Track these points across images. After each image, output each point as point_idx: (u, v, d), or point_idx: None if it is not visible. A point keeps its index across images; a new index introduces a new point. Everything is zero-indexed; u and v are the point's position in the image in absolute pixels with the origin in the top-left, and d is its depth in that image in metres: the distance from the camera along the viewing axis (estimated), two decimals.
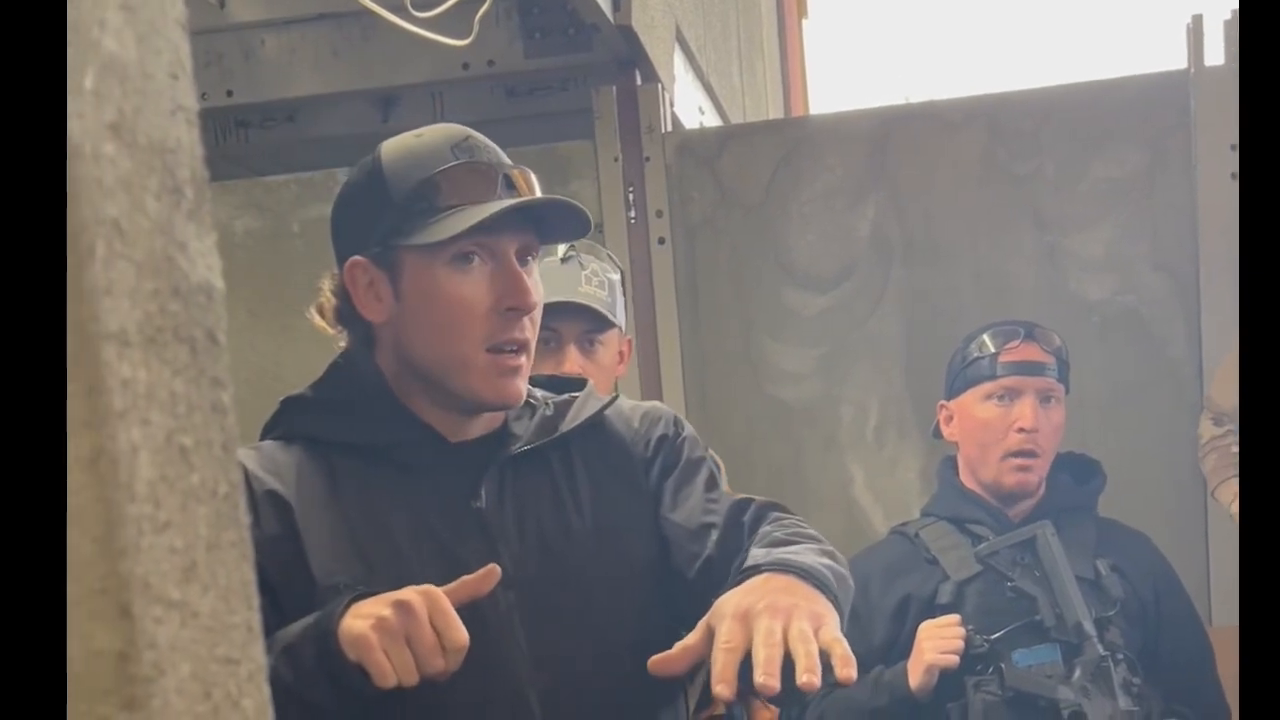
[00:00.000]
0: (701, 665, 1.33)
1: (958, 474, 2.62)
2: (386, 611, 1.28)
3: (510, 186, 1.52)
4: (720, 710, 2.24)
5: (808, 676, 1.23)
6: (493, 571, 1.35)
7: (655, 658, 1.36)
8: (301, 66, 3.65)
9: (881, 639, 2.46)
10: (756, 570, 1.40)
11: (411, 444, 1.56)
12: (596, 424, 1.65)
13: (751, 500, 1.62)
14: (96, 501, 0.57)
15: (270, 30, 3.63)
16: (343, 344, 1.63)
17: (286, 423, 1.59)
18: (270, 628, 1.21)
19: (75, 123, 0.57)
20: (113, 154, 0.59)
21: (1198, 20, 3.33)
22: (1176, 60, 3.39)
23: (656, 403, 1.76)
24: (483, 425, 1.60)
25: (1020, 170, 3.45)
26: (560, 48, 3.51)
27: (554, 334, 2.22)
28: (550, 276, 2.09)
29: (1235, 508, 3.06)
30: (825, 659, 1.26)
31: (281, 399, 1.61)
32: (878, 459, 3.55)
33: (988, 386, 2.53)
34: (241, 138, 3.92)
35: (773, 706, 2.31)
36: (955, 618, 2.37)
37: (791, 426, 3.57)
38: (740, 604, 1.32)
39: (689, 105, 4.26)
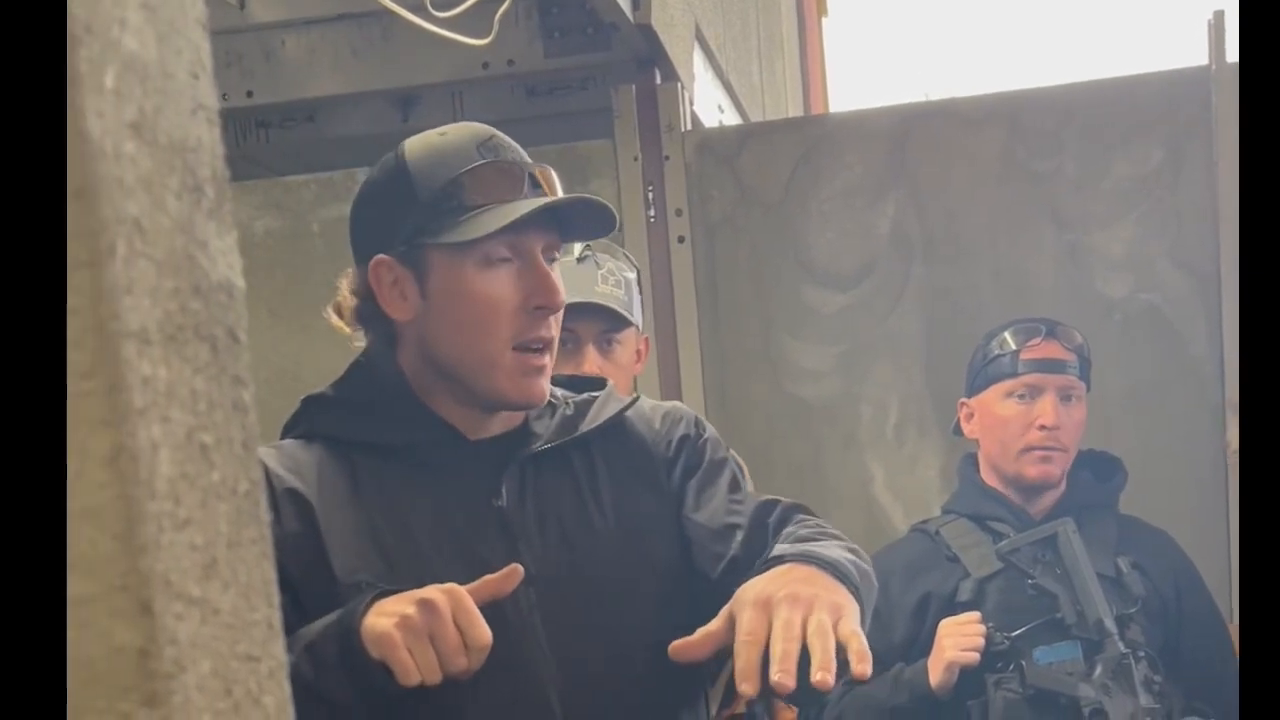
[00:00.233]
0: (724, 666, 1.33)
1: (978, 471, 2.62)
2: (410, 610, 1.29)
3: (535, 185, 1.53)
4: (741, 709, 2.24)
5: (821, 674, 1.23)
6: (515, 571, 1.35)
7: (676, 643, 1.36)
8: (321, 67, 3.65)
9: (902, 636, 2.46)
10: (780, 560, 1.40)
11: (431, 442, 1.56)
12: (617, 424, 1.65)
13: (777, 502, 1.62)
14: (117, 499, 0.57)
15: (290, 31, 3.63)
16: (359, 344, 1.63)
17: (307, 421, 1.59)
18: (291, 626, 1.21)
19: (96, 121, 0.57)
20: (133, 153, 0.59)
21: (1219, 16, 3.31)
22: (1198, 57, 3.35)
23: (677, 403, 1.76)
24: (503, 423, 1.60)
25: (1041, 168, 3.43)
26: (580, 47, 3.50)
27: (571, 335, 2.22)
28: (567, 277, 2.08)
29: None
30: (841, 653, 1.26)
31: (303, 398, 1.62)
32: (898, 457, 3.53)
33: (1009, 384, 2.53)
34: (261, 138, 3.93)
35: (791, 705, 2.31)
36: (976, 615, 2.36)
37: (811, 424, 3.56)
38: (762, 592, 1.32)
39: (708, 104, 4.25)
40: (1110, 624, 2.36)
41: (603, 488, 1.60)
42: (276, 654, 0.68)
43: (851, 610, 1.33)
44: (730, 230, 3.57)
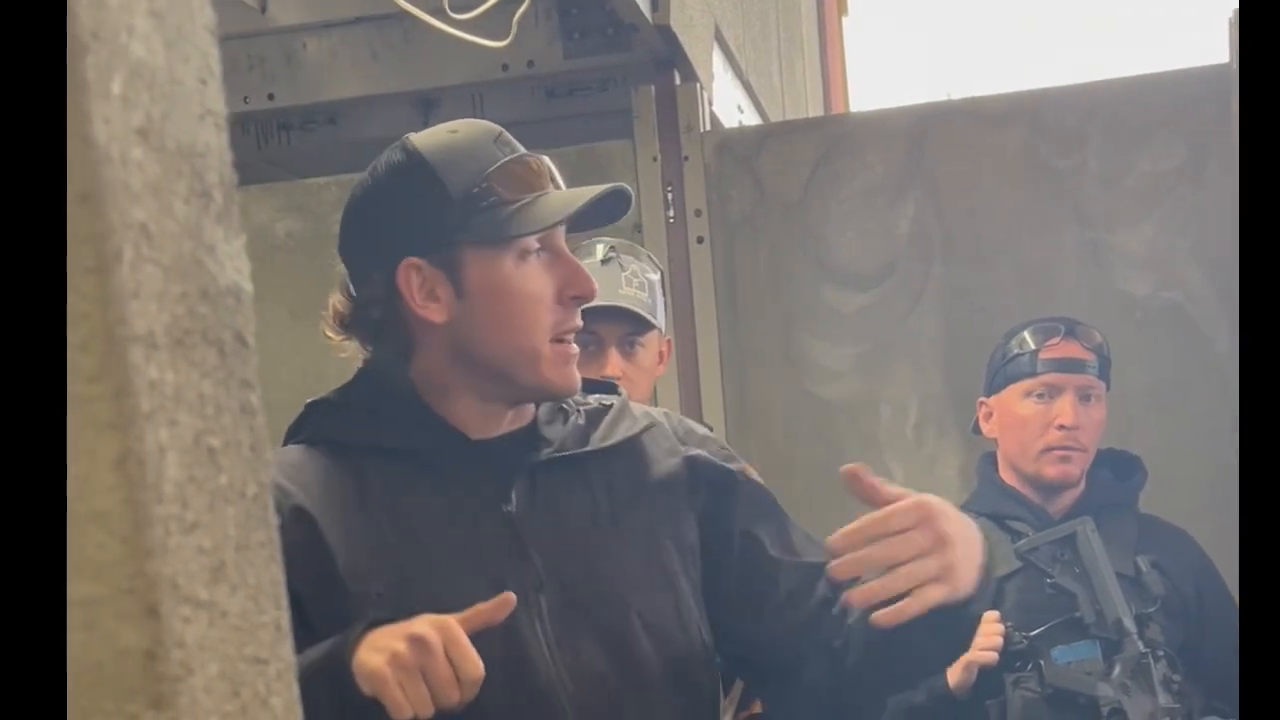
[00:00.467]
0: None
1: (997, 470, 2.61)
2: (401, 646, 1.28)
3: (553, 179, 1.54)
4: (757, 709, 2.24)
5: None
6: (507, 599, 1.34)
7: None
8: (342, 69, 3.66)
9: None
10: None
11: (435, 445, 1.55)
12: (632, 439, 1.64)
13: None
14: (124, 502, 0.57)
15: (311, 33, 3.65)
16: (344, 354, 1.63)
17: (311, 426, 1.58)
18: (299, 642, 1.22)
19: (103, 127, 0.57)
20: (141, 158, 0.60)
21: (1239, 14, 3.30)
22: (1219, 55, 3.34)
23: (691, 422, 1.75)
24: (509, 423, 1.59)
25: (1062, 166, 3.42)
26: (599, 48, 3.50)
27: (594, 337, 2.21)
28: None
29: None
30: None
31: (306, 403, 1.61)
32: (917, 456, 3.53)
33: (1028, 383, 2.52)
34: (283, 140, 3.94)
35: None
36: (994, 614, 2.36)
37: (831, 424, 3.56)
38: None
39: (728, 104, 4.25)
40: (1129, 623, 2.35)
41: (614, 497, 1.59)
42: (284, 656, 0.68)
43: None
44: (750, 230, 3.56)
